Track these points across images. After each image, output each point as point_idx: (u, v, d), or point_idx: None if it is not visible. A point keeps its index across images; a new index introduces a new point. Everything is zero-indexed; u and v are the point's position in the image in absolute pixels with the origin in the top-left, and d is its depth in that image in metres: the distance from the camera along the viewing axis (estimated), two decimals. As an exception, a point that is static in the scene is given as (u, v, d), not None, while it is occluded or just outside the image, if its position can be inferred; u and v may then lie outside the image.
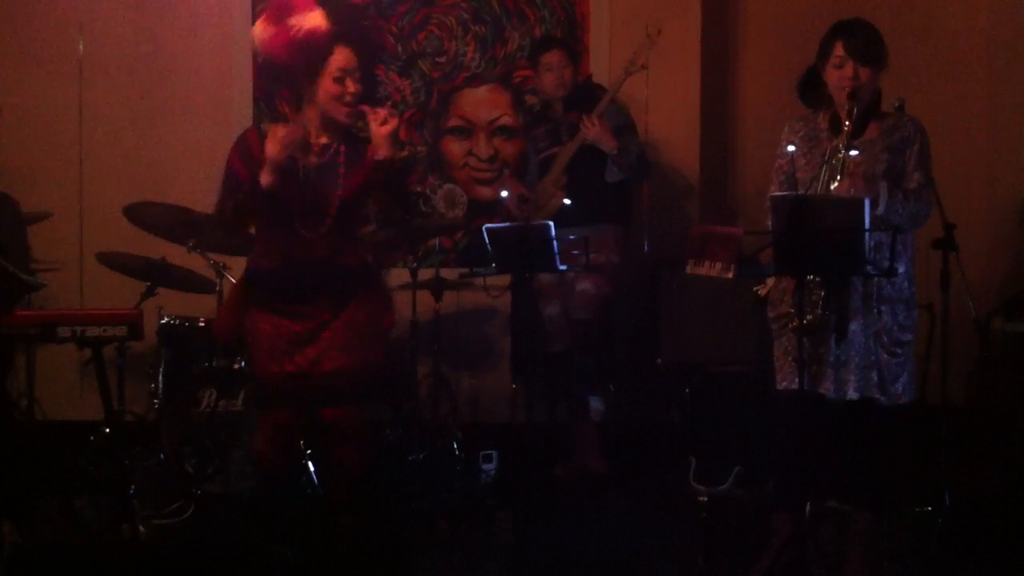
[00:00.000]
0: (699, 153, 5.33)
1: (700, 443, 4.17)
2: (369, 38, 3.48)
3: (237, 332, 3.54)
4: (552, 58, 4.74)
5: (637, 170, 4.68)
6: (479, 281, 4.52)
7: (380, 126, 3.30)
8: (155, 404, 4.33)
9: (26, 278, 3.92)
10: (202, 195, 4.43)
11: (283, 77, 3.40)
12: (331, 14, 3.35)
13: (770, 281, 3.70)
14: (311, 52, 3.32)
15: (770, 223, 3.38)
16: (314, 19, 3.32)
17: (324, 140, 3.38)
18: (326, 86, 3.32)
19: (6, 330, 3.61)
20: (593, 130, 4.53)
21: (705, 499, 3.90)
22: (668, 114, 5.28)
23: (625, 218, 4.83)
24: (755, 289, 3.79)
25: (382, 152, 3.32)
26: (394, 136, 3.35)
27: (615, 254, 4.71)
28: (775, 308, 3.56)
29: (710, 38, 5.40)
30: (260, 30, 3.37)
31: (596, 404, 4.71)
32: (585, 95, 4.74)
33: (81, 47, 5.35)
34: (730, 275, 3.34)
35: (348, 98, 3.32)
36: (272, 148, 3.22)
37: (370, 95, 3.46)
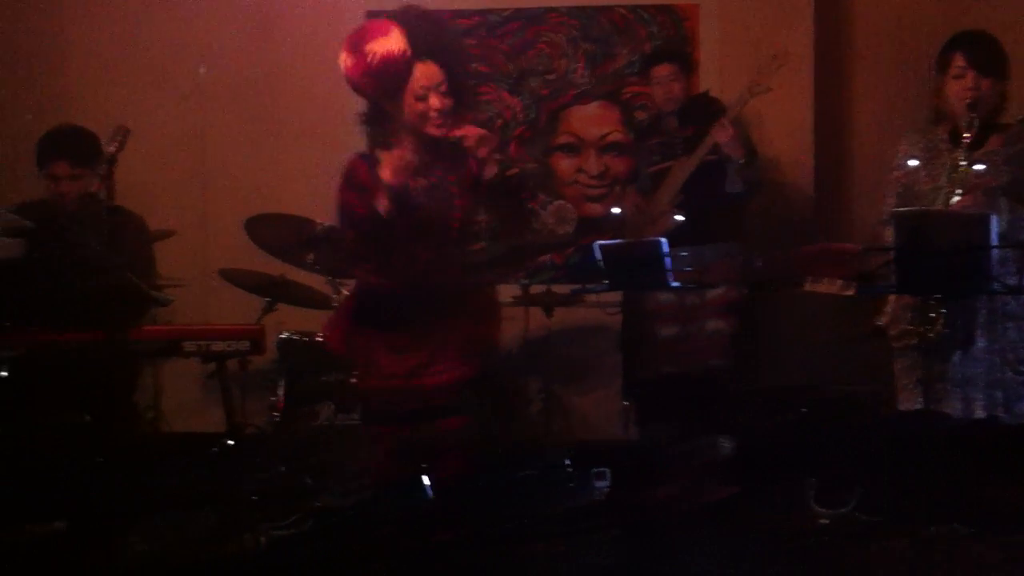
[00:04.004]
0: (812, 169, 5.25)
1: (820, 465, 4.09)
2: (455, 48, 3.40)
3: (348, 347, 3.57)
4: (661, 71, 4.72)
5: (755, 186, 4.58)
6: (593, 297, 4.52)
7: (477, 147, 3.29)
8: (275, 417, 4.42)
9: (154, 294, 4.06)
10: (318, 211, 4.53)
11: (372, 104, 3.40)
12: (411, 30, 3.34)
13: (889, 309, 3.63)
14: (389, 77, 3.28)
15: (890, 239, 3.32)
16: (389, 42, 3.27)
17: (428, 160, 3.39)
18: (410, 106, 3.29)
19: (134, 345, 3.73)
20: (725, 132, 4.42)
21: (827, 522, 3.83)
22: (780, 130, 5.21)
23: (743, 235, 4.70)
24: (876, 321, 3.71)
25: (488, 171, 3.33)
26: (496, 153, 3.33)
27: (733, 286, 4.52)
28: (896, 326, 3.50)
29: (823, 52, 5.32)
30: (343, 61, 3.35)
31: (724, 442, 4.56)
32: (702, 110, 4.66)
33: (202, 71, 5.52)
34: (851, 292, 3.30)
35: (433, 114, 3.29)
36: (387, 174, 3.24)
37: (465, 106, 3.43)
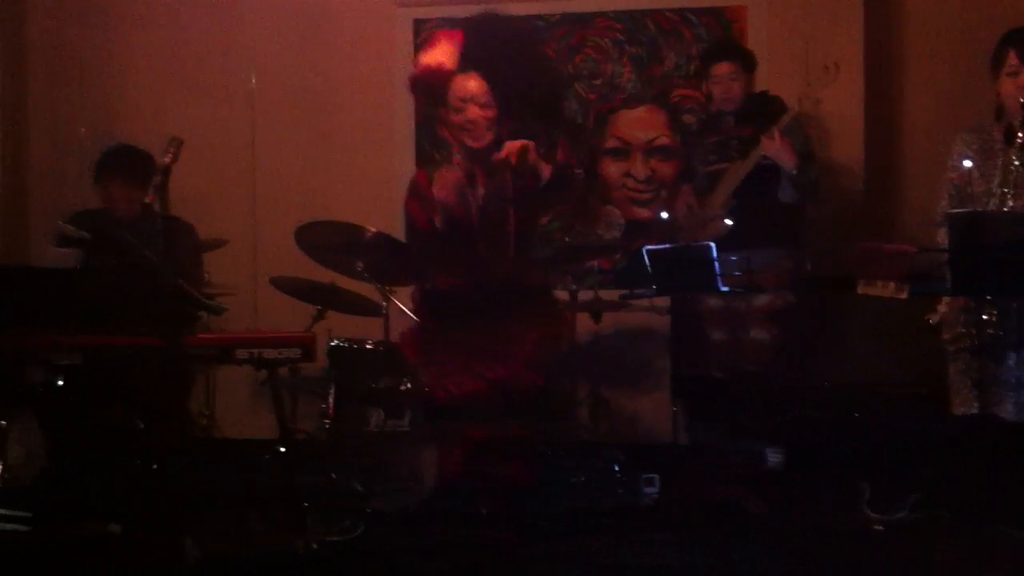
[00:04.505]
0: (862, 170, 5.18)
1: (873, 469, 4.04)
2: (512, 60, 3.45)
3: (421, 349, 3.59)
4: (720, 69, 4.56)
5: (811, 192, 4.48)
6: (643, 302, 4.51)
7: (519, 160, 3.30)
8: (325, 424, 4.45)
9: (207, 302, 4.11)
10: (368, 218, 4.55)
11: (423, 118, 3.51)
12: (470, 43, 3.37)
13: (942, 307, 3.58)
14: (430, 86, 3.40)
15: (944, 240, 3.28)
16: (433, 53, 3.39)
17: (477, 171, 3.41)
18: (450, 117, 3.36)
19: (188, 352, 3.77)
20: (773, 144, 4.32)
21: (880, 528, 3.79)
22: (831, 131, 5.16)
23: (796, 240, 4.57)
24: (927, 317, 3.65)
25: (544, 173, 3.35)
26: (542, 155, 3.32)
27: (789, 290, 4.45)
28: (950, 329, 3.45)
29: (873, 51, 5.26)
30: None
31: (773, 456, 4.51)
32: (759, 109, 4.52)
33: (253, 81, 5.59)
34: (903, 295, 3.26)
35: (469, 126, 3.33)
36: (440, 192, 3.29)
37: (512, 118, 3.45)
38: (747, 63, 4.61)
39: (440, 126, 3.48)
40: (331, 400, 4.40)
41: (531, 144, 3.31)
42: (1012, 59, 3.36)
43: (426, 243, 3.39)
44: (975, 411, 3.25)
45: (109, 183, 4.17)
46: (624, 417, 5.27)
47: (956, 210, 3.33)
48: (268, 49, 5.59)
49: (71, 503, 3.88)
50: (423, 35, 5.44)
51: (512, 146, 3.28)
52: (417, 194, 3.43)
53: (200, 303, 3.98)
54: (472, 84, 3.34)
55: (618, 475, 4.58)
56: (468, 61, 3.38)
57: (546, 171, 3.36)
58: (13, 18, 5.72)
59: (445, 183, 3.32)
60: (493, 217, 3.41)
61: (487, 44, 3.40)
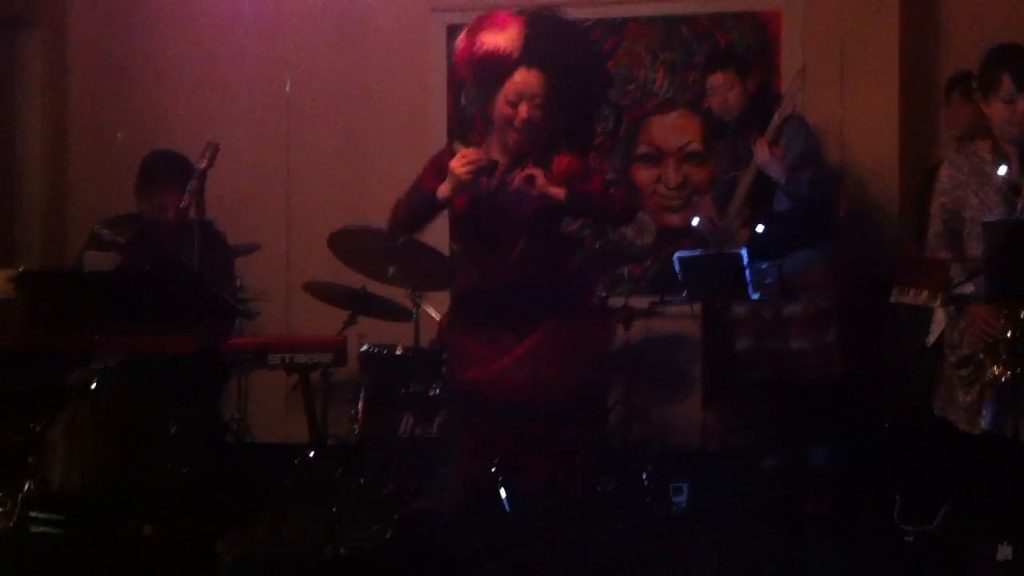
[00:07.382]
0: (898, 173, 5.12)
1: (905, 480, 4.00)
2: (572, 63, 3.34)
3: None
4: (714, 80, 4.50)
5: (811, 201, 4.32)
6: (674, 308, 4.48)
7: (526, 187, 3.27)
8: (355, 428, 4.47)
9: (241, 307, 4.14)
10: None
11: (469, 93, 3.45)
12: (532, 35, 3.29)
13: (936, 326, 3.50)
14: (489, 71, 3.28)
15: (980, 250, 3.24)
16: (503, 38, 3.26)
17: (508, 163, 3.37)
18: (500, 108, 3.29)
19: (222, 356, 3.80)
20: (762, 154, 4.25)
21: (911, 539, 3.74)
22: (864, 133, 5.11)
23: (826, 235, 4.47)
24: (925, 339, 3.59)
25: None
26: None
27: (827, 290, 4.38)
28: (955, 351, 3.37)
29: (909, 51, 5.19)
30: (458, 42, 3.38)
31: (819, 454, 4.47)
32: (758, 111, 4.43)
33: (288, 87, 5.63)
34: (937, 304, 3.22)
35: (518, 124, 3.27)
36: (456, 165, 3.25)
37: (575, 129, 3.43)
38: (740, 70, 4.51)
39: (490, 108, 3.37)
40: (361, 404, 4.42)
41: (538, 173, 3.27)
42: (1007, 85, 3.22)
43: (419, 205, 3.36)
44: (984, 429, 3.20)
45: (153, 191, 4.16)
46: (654, 424, 5.25)
47: (993, 219, 3.27)
48: (303, 55, 5.63)
49: (104, 505, 3.92)
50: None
51: (520, 177, 3.26)
52: (438, 167, 3.38)
53: (234, 308, 4.02)
54: (533, 81, 3.25)
55: (647, 484, 4.56)
56: (529, 55, 3.28)
57: (561, 193, 3.31)
58: (55, 25, 5.81)
59: (465, 159, 3.27)
60: (508, 215, 3.37)
61: (547, 39, 3.31)
